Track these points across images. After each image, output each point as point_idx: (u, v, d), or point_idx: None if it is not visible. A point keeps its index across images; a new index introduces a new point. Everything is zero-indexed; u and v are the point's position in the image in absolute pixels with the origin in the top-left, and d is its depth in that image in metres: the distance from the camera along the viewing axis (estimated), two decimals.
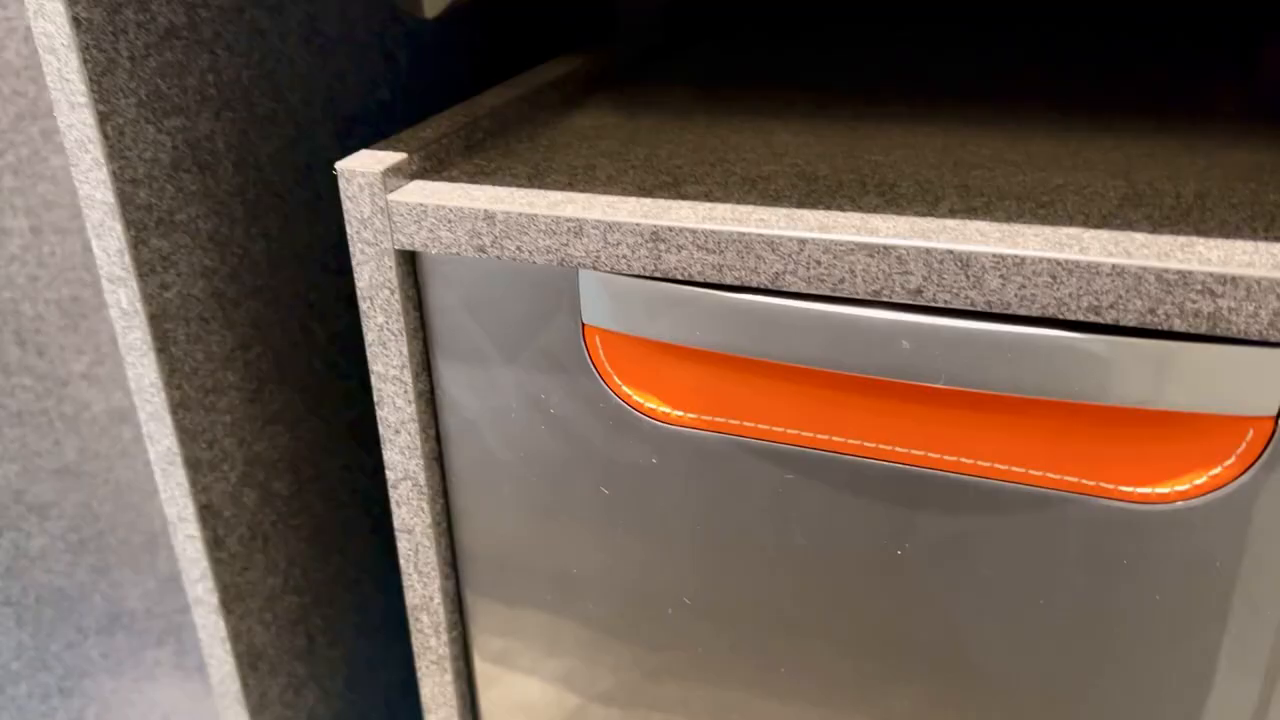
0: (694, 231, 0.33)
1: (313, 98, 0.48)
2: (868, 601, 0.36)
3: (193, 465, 0.44)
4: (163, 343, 0.42)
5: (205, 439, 0.44)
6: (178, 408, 0.43)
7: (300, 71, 0.47)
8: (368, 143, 0.53)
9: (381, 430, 0.41)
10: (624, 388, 0.37)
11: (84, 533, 0.85)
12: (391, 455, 0.41)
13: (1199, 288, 0.28)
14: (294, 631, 0.52)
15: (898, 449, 0.33)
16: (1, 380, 0.76)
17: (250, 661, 0.49)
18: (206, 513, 0.45)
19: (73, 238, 0.81)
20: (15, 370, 0.77)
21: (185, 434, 0.43)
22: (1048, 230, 0.31)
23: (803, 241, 0.32)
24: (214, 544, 0.46)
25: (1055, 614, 0.33)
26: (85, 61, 0.37)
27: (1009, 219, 0.32)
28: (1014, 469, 0.32)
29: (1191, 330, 0.29)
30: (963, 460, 0.33)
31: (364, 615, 0.58)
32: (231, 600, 0.47)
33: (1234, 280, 0.28)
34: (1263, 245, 0.29)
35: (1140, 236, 0.30)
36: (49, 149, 0.68)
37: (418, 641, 0.45)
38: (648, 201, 0.35)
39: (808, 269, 0.32)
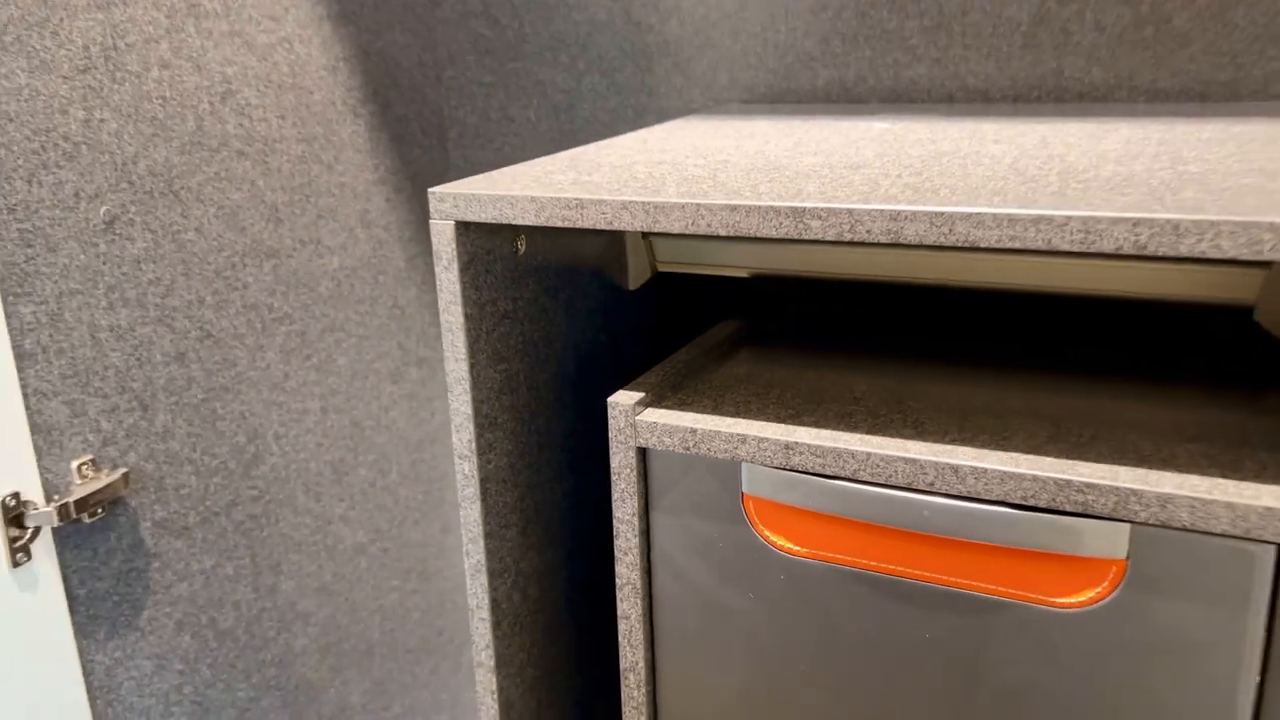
0: (808, 445, 0.60)
1: (566, 345, 0.78)
2: (900, 668, 0.60)
3: (490, 573, 0.71)
4: (485, 495, 0.70)
5: (497, 556, 0.72)
6: (487, 535, 0.70)
7: (561, 330, 0.77)
8: (597, 371, 0.82)
9: (616, 553, 0.67)
10: (766, 532, 0.63)
11: (328, 639, 1.13)
12: (620, 569, 0.68)
13: (1077, 489, 0.53)
14: (533, 692, 0.77)
15: (922, 572, 0.59)
16: (291, 517, 1.06)
17: (505, 710, 0.75)
18: (494, 605, 0.72)
19: (344, 416, 1.12)
20: (300, 511, 1.07)
21: (488, 553, 0.71)
22: (1001, 454, 0.57)
23: (868, 454, 0.58)
24: (495, 625, 0.72)
25: (1017, 688, 0.57)
26: (466, 334, 0.67)
27: (981, 445, 0.58)
28: (989, 586, 0.57)
29: (1076, 511, 0.54)
30: (961, 580, 0.58)
31: (581, 681, 0.83)
32: (499, 665, 0.73)
33: (1095, 486, 0.53)
34: (1109, 468, 0.55)
35: (1048, 460, 0.56)
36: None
37: (625, 694, 0.70)
38: (782, 426, 0.62)
39: (871, 469, 0.58)
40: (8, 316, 0.78)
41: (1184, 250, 0.47)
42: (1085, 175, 0.58)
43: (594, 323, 0.81)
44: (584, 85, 1.12)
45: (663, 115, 1.09)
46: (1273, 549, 0.51)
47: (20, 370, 0.79)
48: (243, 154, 0.96)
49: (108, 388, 0.85)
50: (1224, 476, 0.54)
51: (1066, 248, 0.49)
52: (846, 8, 0.98)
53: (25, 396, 0.79)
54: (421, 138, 1.18)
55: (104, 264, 0.84)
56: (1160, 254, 0.48)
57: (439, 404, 1.26)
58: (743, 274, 0.80)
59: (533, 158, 1.17)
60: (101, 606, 0.86)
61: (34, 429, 0.80)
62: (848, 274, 0.73)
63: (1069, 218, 0.49)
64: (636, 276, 0.86)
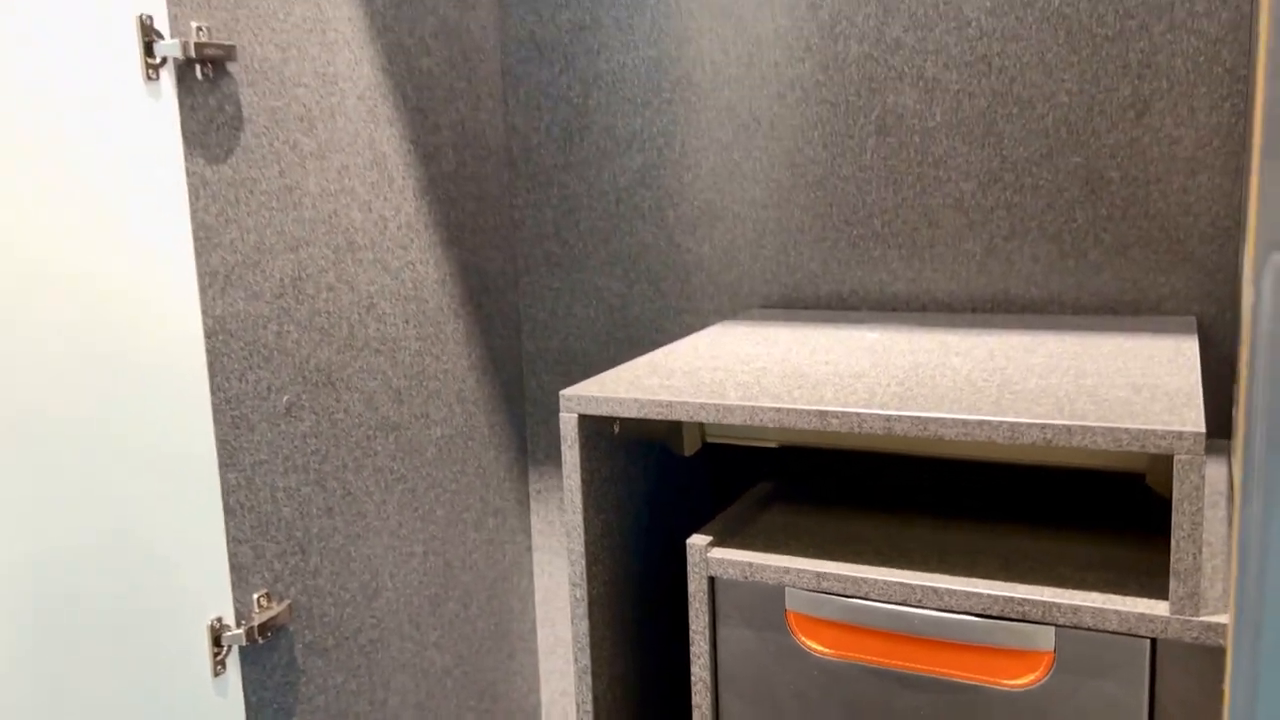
0: (833, 574, 0.85)
1: (643, 499, 1.03)
2: None
3: (593, 675, 0.95)
4: (590, 613, 0.94)
5: (598, 661, 0.95)
6: (592, 645, 0.94)
7: (639, 487, 1.03)
8: (663, 519, 1.07)
9: (691, 656, 0.92)
10: (803, 638, 0.87)
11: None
12: (694, 669, 0.92)
13: (1019, 602, 0.79)
14: None
15: (916, 665, 0.83)
16: (398, 643, 1.28)
17: None
18: (595, 701, 0.95)
19: (439, 558, 1.35)
20: (405, 638, 1.30)
21: (592, 659, 0.94)
22: (967, 579, 0.82)
23: (876, 580, 0.84)
24: (595, 717, 0.95)
25: None
26: (581, 493, 0.92)
27: (954, 573, 0.83)
28: (962, 673, 0.81)
29: (1018, 618, 0.79)
30: (943, 670, 0.82)
31: None
32: None
33: (1030, 600, 0.78)
34: (1040, 588, 0.80)
35: (999, 583, 0.81)
36: None
37: None
38: (813, 560, 0.87)
39: (878, 590, 0.84)
40: (221, 481, 1.03)
41: (1075, 445, 0.74)
42: (1016, 387, 0.86)
43: (661, 482, 1.07)
44: (634, 291, 1.41)
45: (698, 316, 1.38)
46: (1148, 642, 0.76)
47: (225, 523, 1.03)
48: (378, 351, 1.23)
49: (279, 536, 1.10)
50: (1115, 593, 0.79)
51: (1001, 441, 0.76)
52: (841, 240, 1.28)
53: (227, 543, 1.04)
54: (502, 330, 1.47)
55: (282, 440, 1.10)
56: (1060, 447, 0.75)
57: (509, 547, 1.50)
58: (773, 444, 1.07)
59: (590, 349, 1.45)
60: (265, 713, 1.08)
61: (231, 568, 1.04)
62: (853, 447, 1.00)
63: (1001, 422, 0.76)
64: (690, 446, 1.12)
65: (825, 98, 1.26)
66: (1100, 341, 1.02)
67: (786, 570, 0.87)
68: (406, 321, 1.28)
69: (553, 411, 1.50)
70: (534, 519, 1.55)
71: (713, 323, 1.38)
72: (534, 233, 1.46)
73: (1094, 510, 1.00)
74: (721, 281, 1.36)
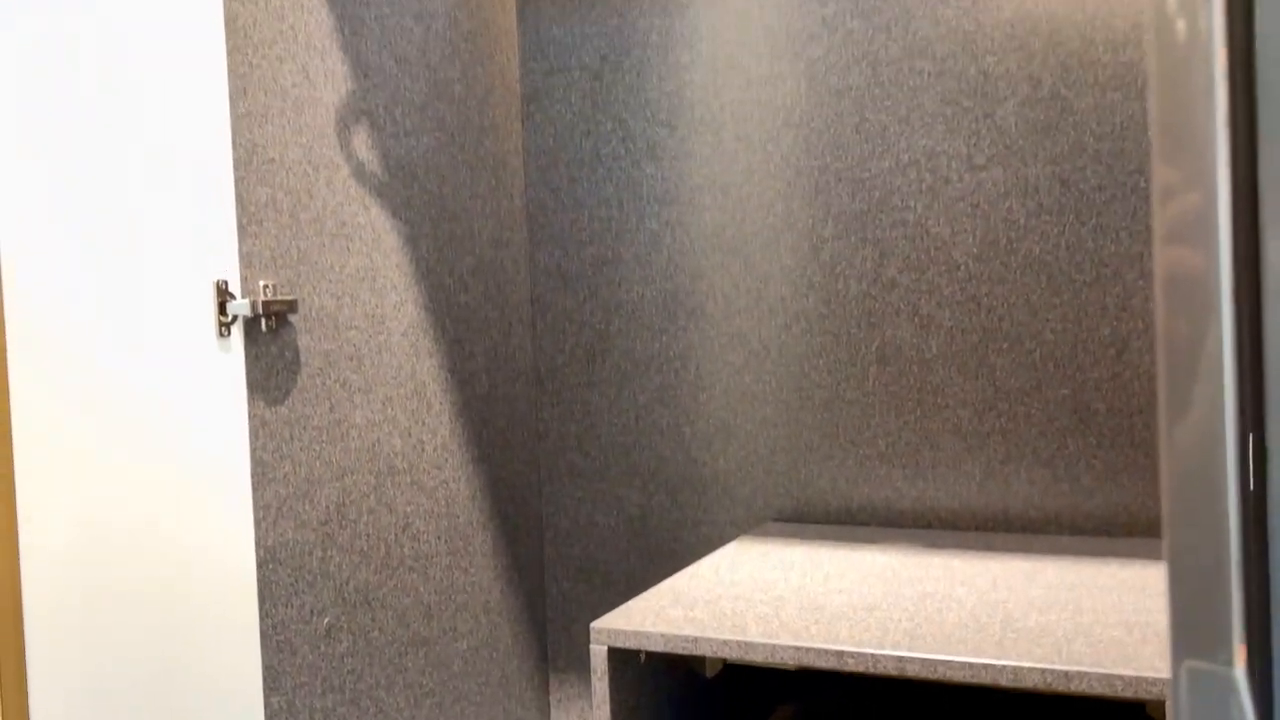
0: None
1: None
2: None
3: None
4: None
5: None
6: None
7: (665, 714, 1.07)
8: None
9: None
10: None
11: None
12: None
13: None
14: None
15: None
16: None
17: None
18: None
19: None
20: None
21: None
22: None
23: None
24: None
25: None
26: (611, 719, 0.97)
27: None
28: None
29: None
30: None
31: None
32: None
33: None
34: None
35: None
36: None
37: None
38: None
39: None
40: (265, 705, 1.08)
41: (1073, 689, 0.80)
42: (1018, 625, 0.92)
43: (685, 704, 1.12)
44: (653, 502, 1.49)
45: (714, 527, 1.45)
46: None
47: None
48: (412, 569, 1.30)
49: None
50: None
51: (1005, 684, 0.82)
52: (848, 459, 1.37)
53: None
54: (526, 539, 1.54)
55: (322, 661, 1.15)
56: (1059, 690, 0.80)
57: None
58: (790, 667, 1.12)
59: (611, 557, 1.52)
60: None
61: None
62: (864, 671, 1.05)
63: (1004, 667, 0.82)
64: (712, 668, 1.17)
65: (828, 329, 1.37)
66: (1096, 571, 1.09)
67: None
68: (439, 538, 1.35)
69: (573, 619, 1.55)
70: None
71: (729, 534, 1.44)
72: (558, 445, 1.55)
73: None
74: (736, 495, 1.44)
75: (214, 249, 1.06)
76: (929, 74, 1.30)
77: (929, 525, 1.33)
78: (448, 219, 1.39)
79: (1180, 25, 0.43)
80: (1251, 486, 0.42)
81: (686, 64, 1.44)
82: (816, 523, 1.39)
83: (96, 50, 1.05)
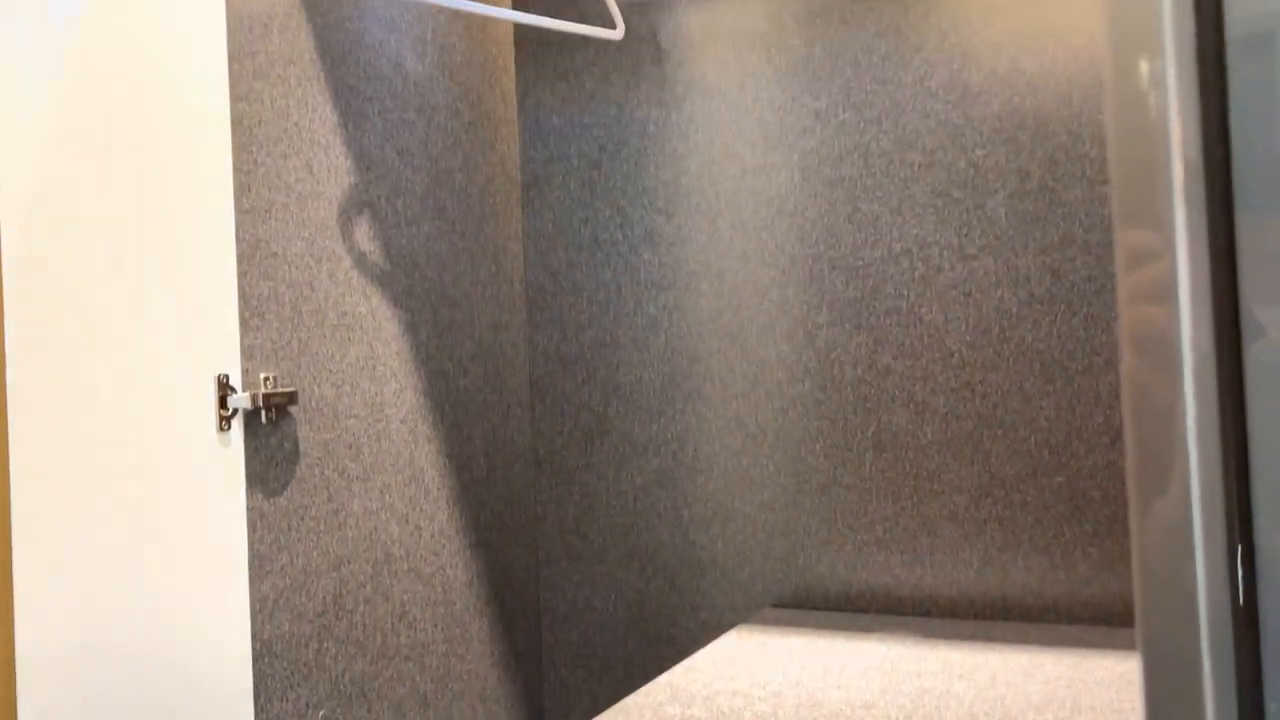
0: None
1: None
2: None
3: None
4: None
5: None
6: None
7: None
8: None
9: None
10: None
11: None
12: None
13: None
14: None
15: None
16: None
17: None
18: None
19: None
20: None
21: None
22: None
23: None
24: None
25: None
26: None
27: None
28: None
29: None
30: None
31: None
32: None
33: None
34: None
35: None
36: None
37: None
38: None
39: None
40: None
41: None
42: None
43: None
44: (651, 586, 1.48)
45: (713, 613, 1.44)
46: None
47: None
48: (408, 658, 1.29)
49: None
50: None
51: None
52: (847, 544, 1.37)
53: None
54: (523, 623, 1.53)
55: None
56: None
57: None
58: None
59: (609, 642, 1.51)
60: None
61: None
62: None
63: None
64: None
65: (825, 414, 1.38)
66: (1094, 664, 1.08)
67: None
68: (435, 625, 1.34)
69: (571, 706, 1.54)
70: None
71: (727, 619, 1.44)
72: (556, 527, 1.55)
73: None
74: (735, 579, 1.43)
75: (216, 343, 1.07)
76: (919, 165, 1.32)
77: (928, 612, 1.32)
78: (448, 305, 1.41)
79: (1139, 91, 0.44)
80: (1240, 595, 0.42)
81: (683, 153, 1.47)
82: (815, 609, 1.39)
83: (103, 145, 1.08)
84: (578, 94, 1.54)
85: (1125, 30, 0.45)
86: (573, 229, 1.54)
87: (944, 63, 1.30)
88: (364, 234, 1.27)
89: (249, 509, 1.09)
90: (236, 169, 1.10)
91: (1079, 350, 1.25)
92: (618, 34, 1.38)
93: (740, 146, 1.43)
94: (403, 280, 1.33)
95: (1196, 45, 0.43)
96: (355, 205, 1.26)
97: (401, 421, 1.31)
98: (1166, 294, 0.44)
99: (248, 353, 1.09)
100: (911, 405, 1.33)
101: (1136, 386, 0.45)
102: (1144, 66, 0.44)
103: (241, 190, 1.10)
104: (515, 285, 1.57)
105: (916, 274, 1.33)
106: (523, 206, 1.59)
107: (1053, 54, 1.25)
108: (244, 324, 1.09)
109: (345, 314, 1.23)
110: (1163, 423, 0.45)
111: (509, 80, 1.58)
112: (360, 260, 1.26)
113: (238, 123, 1.10)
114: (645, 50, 1.49)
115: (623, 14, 1.50)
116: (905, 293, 1.33)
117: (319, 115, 1.21)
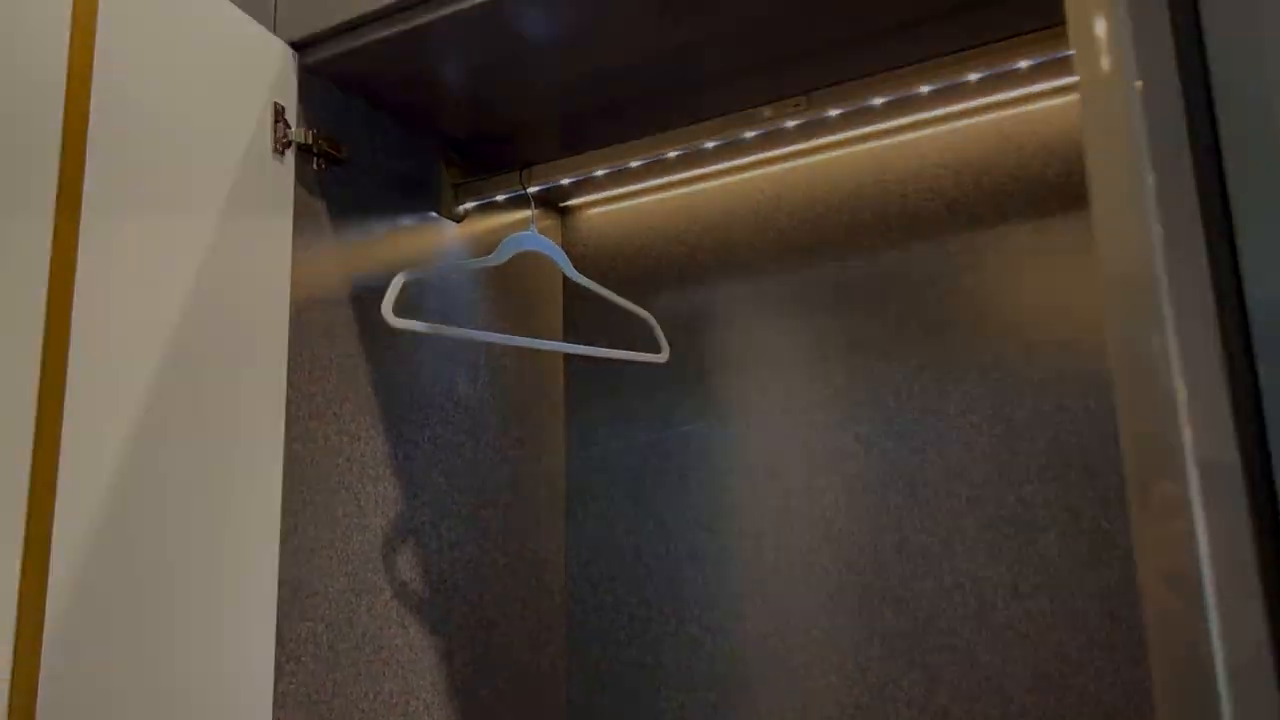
0: None
1: None
2: None
3: None
4: None
5: None
6: None
7: None
8: None
9: None
10: None
11: None
12: None
13: None
14: None
15: None
16: None
17: None
18: None
19: None
20: None
21: None
22: None
23: None
24: None
25: None
26: None
27: None
28: None
29: None
30: None
31: None
32: None
33: None
34: None
35: None
36: None
37: None
38: None
39: None
40: None
41: None
42: None
43: None
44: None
45: None
46: None
47: None
48: None
49: None
50: None
51: None
52: None
53: None
54: None
55: None
56: None
57: None
58: None
59: None
60: None
61: None
62: None
63: None
64: None
65: None
66: None
67: None
68: None
69: None
70: None
71: None
72: None
73: None
74: None
75: (249, 693, 1.05)
76: (966, 499, 1.31)
77: None
78: (484, 628, 1.38)
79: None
80: None
81: (726, 470, 1.47)
82: None
83: (156, 504, 1.10)
84: (624, 410, 1.57)
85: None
86: (615, 541, 1.53)
87: (987, 397, 1.31)
88: (406, 562, 1.27)
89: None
90: (285, 510, 1.11)
91: (1145, 704, 1.18)
92: (663, 357, 1.42)
93: (783, 466, 1.43)
94: (441, 605, 1.31)
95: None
96: (400, 534, 1.26)
97: None
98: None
99: (280, 701, 1.07)
100: None
101: None
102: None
103: (289, 532, 1.11)
104: (556, 598, 1.54)
105: (970, 610, 1.28)
106: (566, 516, 1.59)
107: (1097, 395, 1.26)
108: (279, 670, 1.07)
109: (381, 648, 1.21)
110: None
111: (558, 391, 1.62)
112: (401, 589, 1.25)
113: (290, 463, 1.13)
114: (690, 370, 1.53)
115: (668, 335, 1.55)
116: (959, 629, 1.28)
117: (370, 447, 1.24)
